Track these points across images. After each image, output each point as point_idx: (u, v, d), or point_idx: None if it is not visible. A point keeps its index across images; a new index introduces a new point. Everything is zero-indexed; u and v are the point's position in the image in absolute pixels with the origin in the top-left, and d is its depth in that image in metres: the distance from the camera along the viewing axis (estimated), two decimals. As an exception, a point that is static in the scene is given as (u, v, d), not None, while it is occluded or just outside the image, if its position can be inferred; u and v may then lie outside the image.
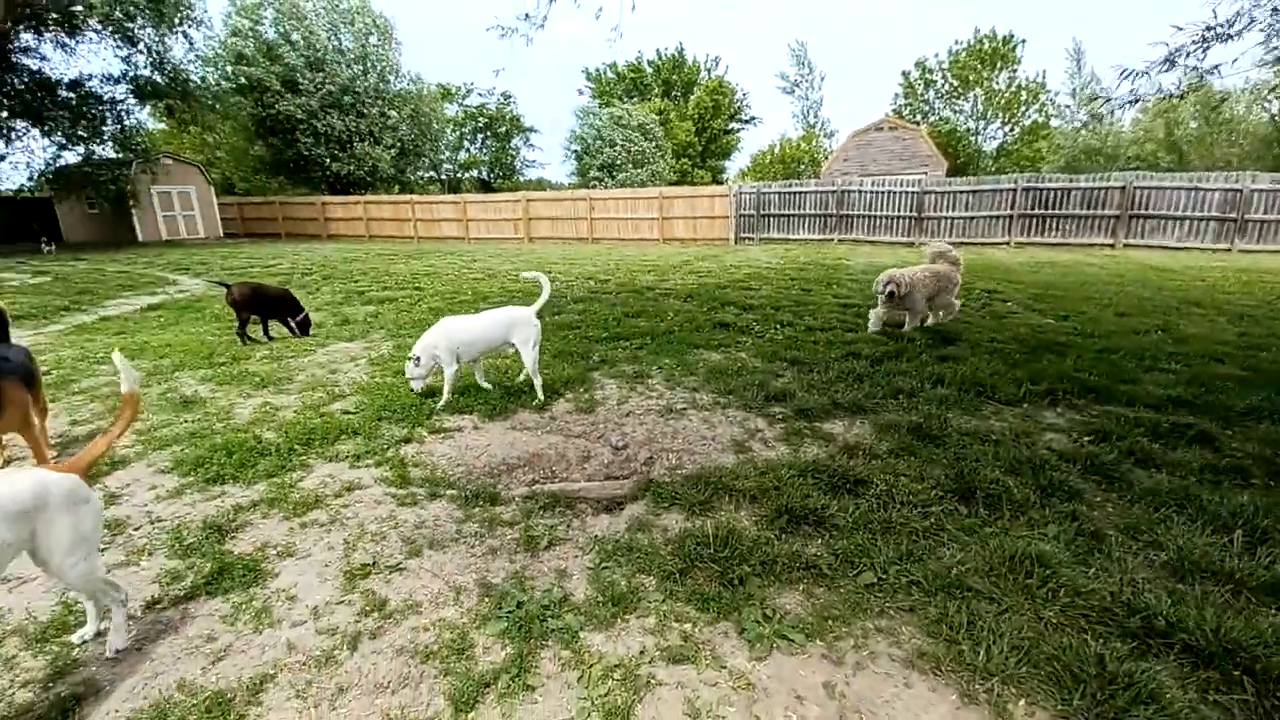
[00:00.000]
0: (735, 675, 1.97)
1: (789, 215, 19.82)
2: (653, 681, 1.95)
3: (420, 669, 2.02)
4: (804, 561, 2.51)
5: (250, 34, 26.29)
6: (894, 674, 1.97)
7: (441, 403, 4.42)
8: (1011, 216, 17.28)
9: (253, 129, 27.82)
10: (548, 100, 78.27)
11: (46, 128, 19.55)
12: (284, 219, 27.25)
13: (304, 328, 6.75)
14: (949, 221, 17.98)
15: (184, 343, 6.47)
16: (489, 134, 43.02)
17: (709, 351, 5.96)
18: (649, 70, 46.64)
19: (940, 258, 6.71)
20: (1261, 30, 5.30)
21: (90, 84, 20.15)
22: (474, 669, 2.01)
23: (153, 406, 4.54)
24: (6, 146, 20.09)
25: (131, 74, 20.64)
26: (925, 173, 23.80)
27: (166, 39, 20.45)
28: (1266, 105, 29.21)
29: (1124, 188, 16.07)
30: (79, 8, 16.72)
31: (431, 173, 39.55)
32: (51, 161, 20.86)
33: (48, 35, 18.47)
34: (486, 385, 4.80)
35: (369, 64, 28.07)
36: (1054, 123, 37.26)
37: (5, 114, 19.16)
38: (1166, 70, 5.70)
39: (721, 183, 41.14)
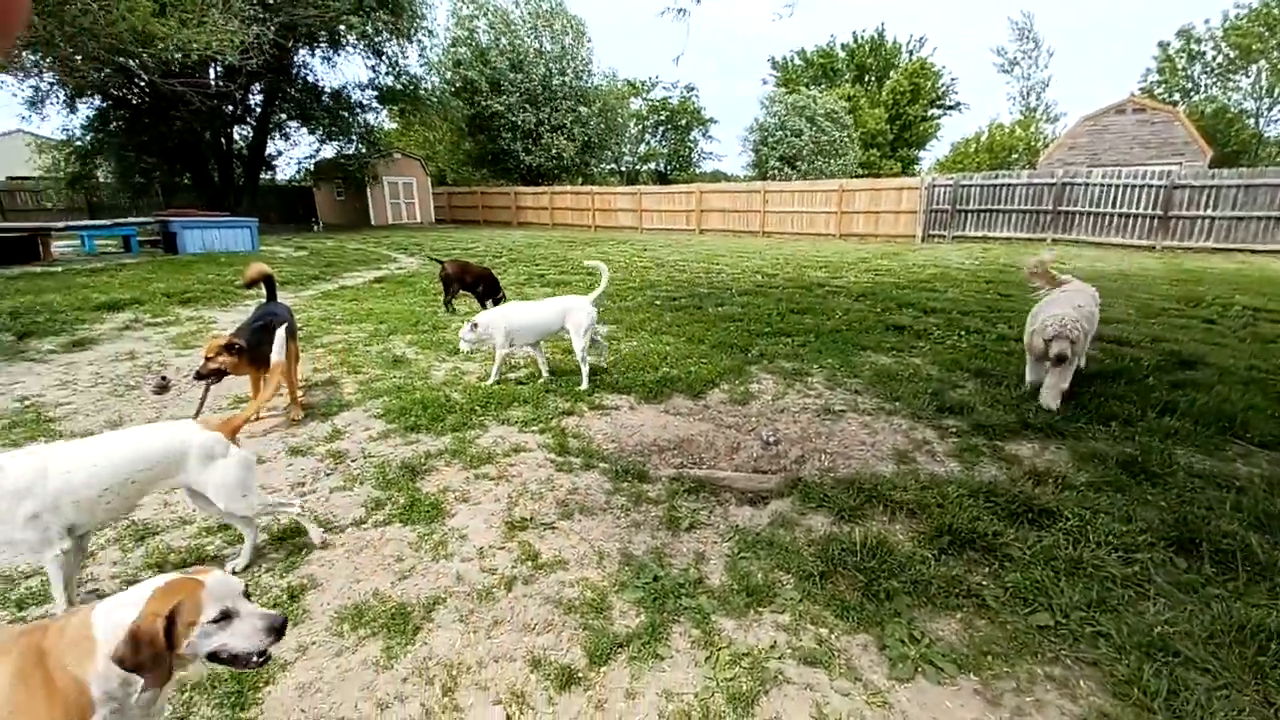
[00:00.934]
0: (871, 690, 1.86)
1: (991, 211, 17.71)
2: (780, 677, 1.91)
3: (563, 619, 2.19)
4: (965, 589, 2.28)
5: (466, 42, 29.58)
6: (1064, 730, 1.73)
7: (490, 380, 4.71)
8: (1297, 217, 13.75)
9: (465, 127, 31.33)
10: (724, 92, 78.08)
11: (312, 127, 23.96)
12: (483, 207, 30.43)
13: (499, 305, 7.57)
14: (1206, 222, 14.73)
15: (398, 311, 7.55)
16: (669, 126, 43.96)
17: (878, 354, 5.59)
18: (841, 55, 44.33)
19: (1043, 275, 4.81)
20: None
21: (345, 91, 24.23)
22: (610, 628, 2.12)
23: (372, 362, 5.38)
24: (285, 143, 25.15)
25: (376, 81, 24.47)
26: (1180, 163, 19.83)
27: (404, 50, 23.84)
28: None
29: None
30: (342, 28, 20.17)
31: (613, 165, 41.51)
32: (311, 156, 26.05)
33: (318, 51, 22.47)
34: (547, 374, 4.85)
35: (565, 62, 30.15)
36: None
37: (285, 117, 23.77)
38: None
39: (912, 174, 37.97)
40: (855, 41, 43.97)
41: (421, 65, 26.00)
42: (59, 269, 10.84)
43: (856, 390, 4.61)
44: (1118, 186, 15.74)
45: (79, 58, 11.94)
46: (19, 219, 20.43)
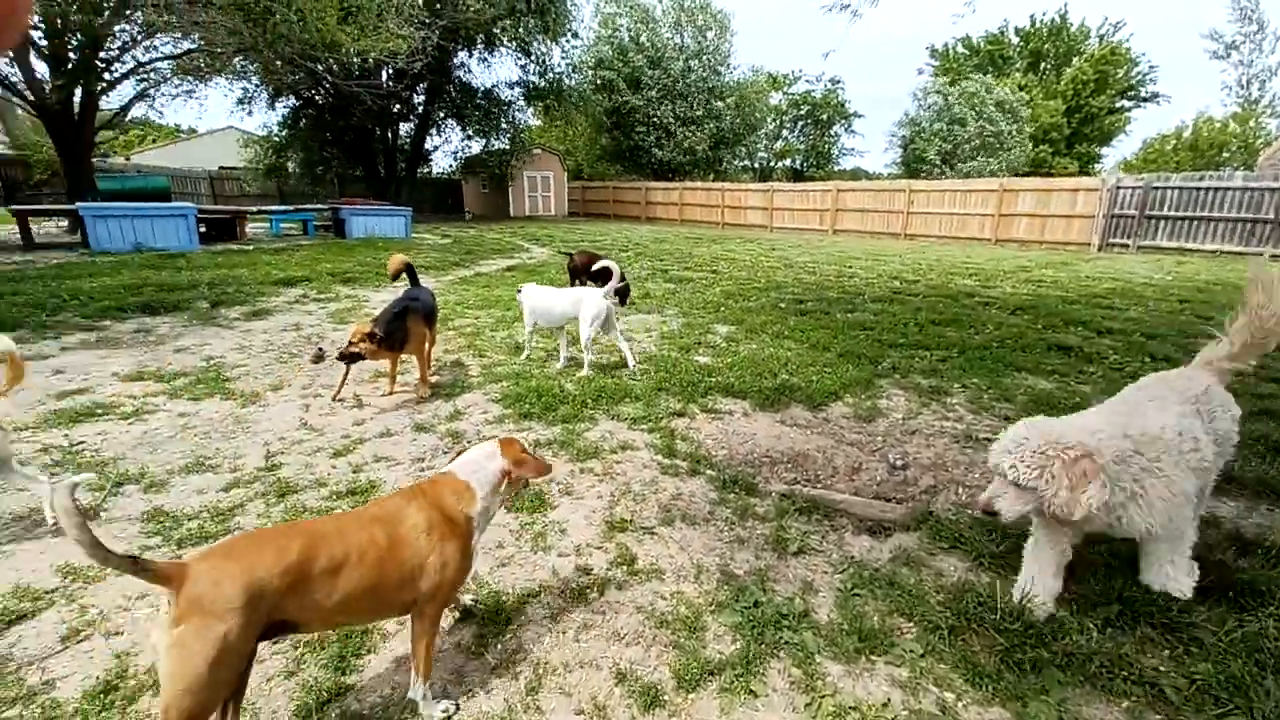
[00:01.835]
0: (1006, 782, 1.56)
1: (1190, 218, 15.14)
2: (894, 745, 1.67)
3: (654, 632, 2.08)
4: (1136, 673, 1.87)
5: (609, 40, 30.32)
6: None
7: (524, 354, 5.26)
8: None
9: (604, 121, 32.24)
10: (869, 90, 73.45)
11: (464, 124, 25.97)
12: (614, 201, 31.15)
13: (622, 297, 7.59)
14: None
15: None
16: (809, 120, 42.26)
17: (1036, 377, 4.91)
18: (1014, 41, 40.14)
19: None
20: None
21: (496, 89, 25.89)
22: (702, 651, 1.98)
23: (496, 348, 5.61)
24: (439, 139, 27.54)
25: (524, 79, 25.86)
26: None
27: (550, 50, 25.00)
28: None
29: None
30: (497, 29, 21.60)
31: (745, 160, 40.73)
32: (461, 151, 28.36)
33: (474, 53, 24.18)
34: (562, 362, 5.08)
35: (703, 58, 29.98)
36: None
37: (443, 114, 25.88)
38: None
39: (1091, 173, 33.57)
40: (1032, 25, 39.55)
41: (565, 63, 27.10)
42: (250, 247, 12.56)
43: (1006, 416, 4.06)
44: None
45: (279, 62, 13.71)
46: (225, 203, 24.29)
